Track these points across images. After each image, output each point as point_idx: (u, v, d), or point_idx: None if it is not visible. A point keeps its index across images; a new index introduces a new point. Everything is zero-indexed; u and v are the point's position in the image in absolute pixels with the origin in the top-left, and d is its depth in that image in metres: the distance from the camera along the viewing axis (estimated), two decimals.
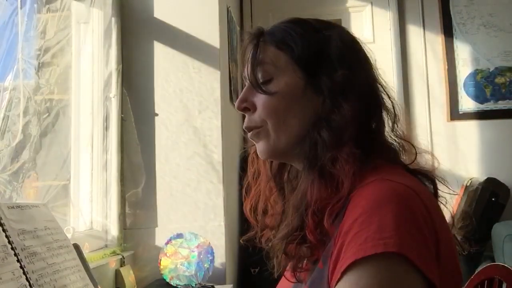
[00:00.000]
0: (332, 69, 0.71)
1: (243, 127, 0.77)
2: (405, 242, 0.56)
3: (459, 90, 2.93)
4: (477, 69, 2.93)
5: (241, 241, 0.85)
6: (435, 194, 0.73)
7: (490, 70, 2.92)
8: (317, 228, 0.66)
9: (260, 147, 0.76)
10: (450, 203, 0.76)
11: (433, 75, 2.97)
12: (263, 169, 0.83)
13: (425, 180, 0.73)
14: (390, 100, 0.75)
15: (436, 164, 0.76)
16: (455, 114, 2.92)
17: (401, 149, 0.75)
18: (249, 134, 0.77)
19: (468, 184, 2.73)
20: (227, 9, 2.30)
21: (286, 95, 0.72)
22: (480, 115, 2.90)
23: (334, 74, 0.70)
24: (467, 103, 2.92)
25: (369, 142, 0.69)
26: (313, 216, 0.66)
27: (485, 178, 2.66)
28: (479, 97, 2.91)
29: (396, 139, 0.75)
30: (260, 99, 0.74)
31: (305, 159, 0.71)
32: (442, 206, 0.73)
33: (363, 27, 3.05)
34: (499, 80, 2.91)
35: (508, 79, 2.90)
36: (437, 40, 2.98)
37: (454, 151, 2.89)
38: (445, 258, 0.60)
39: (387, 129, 0.75)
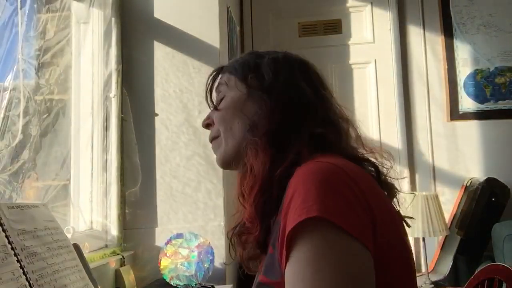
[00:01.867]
0: (263, 79, 0.86)
1: (208, 139, 0.93)
2: (327, 207, 0.61)
3: (459, 90, 2.93)
4: (477, 69, 2.92)
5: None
6: (378, 178, 0.79)
7: (490, 70, 2.92)
8: (248, 212, 0.76)
9: (217, 156, 0.90)
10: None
11: (433, 75, 2.97)
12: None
13: (368, 165, 0.80)
14: (323, 99, 0.86)
15: (385, 155, 0.82)
16: (455, 114, 2.92)
17: (343, 143, 0.83)
18: (211, 146, 0.92)
19: (468, 184, 2.73)
20: (227, 9, 2.31)
21: (231, 106, 0.87)
22: (480, 115, 2.90)
23: (262, 81, 0.85)
24: (467, 103, 2.92)
25: (290, 133, 0.79)
26: (240, 201, 0.80)
27: (485, 178, 2.66)
28: (479, 97, 2.91)
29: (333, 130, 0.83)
30: (215, 114, 0.90)
31: (241, 158, 0.83)
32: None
33: (363, 27, 3.05)
34: (499, 80, 2.91)
35: (508, 79, 2.90)
36: (437, 40, 2.98)
37: (454, 151, 2.89)
38: (384, 232, 0.64)
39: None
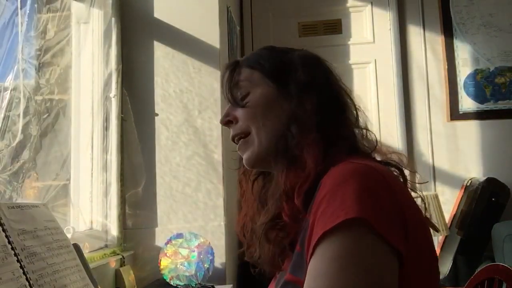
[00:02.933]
0: (296, 75, 0.83)
1: (231, 138, 0.88)
2: (364, 208, 0.60)
3: (459, 90, 2.93)
4: (477, 69, 2.92)
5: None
6: (404, 182, 0.79)
7: (490, 70, 2.92)
8: (292, 211, 0.74)
9: (246, 155, 0.85)
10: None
11: (433, 75, 2.97)
12: (248, 190, 0.91)
13: (394, 170, 0.80)
14: (353, 100, 0.86)
15: (404, 160, 0.82)
16: (455, 114, 2.92)
17: (374, 147, 0.82)
18: (238, 145, 0.87)
19: (468, 184, 2.73)
20: (227, 9, 2.31)
21: (262, 103, 0.83)
22: (480, 115, 2.90)
23: (298, 78, 0.83)
24: (467, 103, 2.92)
25: (334, 132, 0.78)
26: (285, 197, 0.75)
27: (485, 178, 2.66)
28: (479, 97, 2.91)
29: (364, 135, 0.84)
30: (240, 113, 0.85)
31: (278, 154, 0.80)
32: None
33: (363, 27, 3.05)
34: (499, 80, 2.91)
35: (508, 79, 2.90)
36: (437, 40, 2.98)
37: (454, 151, 2.89)
38: (415, 236, 0.64)
39: (354, 126, 0.84)
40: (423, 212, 0.75)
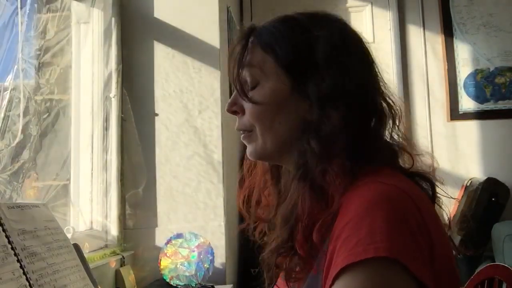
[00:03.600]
0: (319, 75, 0.68)
1: (236, 129, 0.78)
2: (396, 246, 0.55)
3: (459, 90, 2.93)
4: (477, 69, 2.92)
5: (238, 229, 0.86)
6: (433, 196, 0.71)
7: (490, 70, 2.92)
8: (307, 242, 0.65)
9: (249, 149, 0.76)
10: (448, 205, 0.74)
11: (433, 75, 2.97)
12: (258, 165, 0.82)
13: (423, 182, 0.71)
14: (389, 103, 0.72)
15: (435, 165, 0.75)
16: (455, 114, 2.92)
17: (400, 150, 0.73)
18: (241, 136, 0.77)
19: (468, 184, 2.73)
20: (227, 9, 2.30)
21: (271, 101, 0.70)
22: (480, 115, 2.90)
23: (321, 81, 0.67)
24: (467, 103, 2.92)
25: (363, 149, 0.67)
26: (303, 231, 0.65)
27: (485, 178, 2.66)
28: (479, 97, 2.91)
29: (394, 142, 0.73)
30: (247, 104, 0.73)
31: (295, 168, 0.69)
32: (439, 208, 0.72)
33: (363, 27, 3.04)
34: (499, 80, 2.91)
35: (508, 79, 2.90)
36: (437, 40, 2.98)
37: (454, 151, 2.89)
38: (440, 260, 0.59)
39: (386, 131, 0.72)
40: (446, 230, 0.69)
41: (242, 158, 0.83)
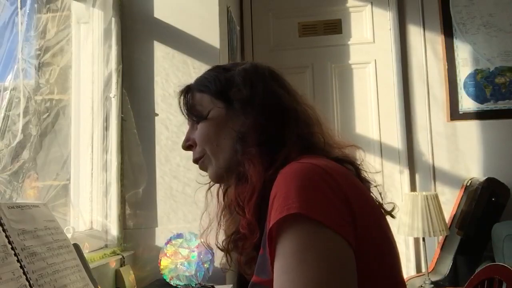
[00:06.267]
0: (239, 92, 0.87)
1: (193, 162, 0.95)
2: (305, 204, 0.64)
3: (459, 90, 2.93)
4: (477, 69, 2.92)
5: (220, 266, 0.97)
6: (359, 176, 0.84)
7: (490, 70, 2.92)
8: (246, 222, 0.78)
9: (208, 173, 0.92)
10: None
11: (433, 75, 2.96)
12: (216, 201, 0.96)
13: (347, 165, 0.83)
14: (302, 109, 0.88)
15: (361, 155, 0.88)
16: (455, 114, 2.92)
17: (323, 143, 0.86)
18: (198, 166, 0.94)
19: (468, 184, 2.73)
20: (227, 9, 2.31)
21: (214, 124, 0.89)
22: (480, 115, 2.90)
23: (241, 94, 0.87)
24: (467, 103, 2.92)
25: (278, 139, 0.82)
26: (237, 211, 0.80)
27: (485, 178, 2.66)
28: (479, 97, 2.91)
29: (315, 138, 0.86)
30: (197, 134, 0.92)
31: (230, 171, 0.86)
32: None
33: (363, 27, 3.05)
34: (499, 80, 2.91)
35: (508, 79, 2.90)
36: (437, 40, 2.98)
37: (454, 151, 2.89)
38: (364, 224, 0.68)
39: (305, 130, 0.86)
40: (380, 199, 0.81)
41: None
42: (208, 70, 0.97)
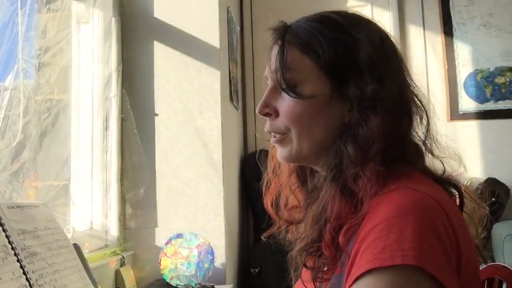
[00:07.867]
0: (360, 79, 0.67)
1: (266, 130, 0.76)
2: (424, 255, 0.54)
3: (459, 90, 2.93)
4: (477, 69, 2.92)
5: (263, 238, 0.84)
6: (461, 204, 0.70)
7: (490, 70, 2.92)
8: (333, 244, 0.65)
9: (281, 152, 0.74)
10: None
11: (433, 75, 2.96)
12: (283, 165, 0.81)
13: (451, 188, 0.71)
14: (417, 104, 0.72)
15: (462, 170, 0.73)
16: (455, 114, 2.92)
17: (426, 151, 0.73)
18: (272, 139, 0.75)
19: (468, 184, 2.73)
20: (227, 9, 2.30)
21: (311, 103, 0.69)
22: (480, 115, 2.90)
23: (363, 84, 0.67)
24: (467, 103, 2.92)
25: (395, 154, 0.66)
26: (330, 232, 0.65)
27: (485, 178, 2.66)
28: (479, 97, 2.91)
29: (420, 142, 0.73)
30: (283, 106, 0.72)
31: (329, 171, 0.69)
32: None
33: None
34: (499, 80, 2.91)
35: (508, 79, 2.90)
36: (437, 40, 2.97)
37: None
38: (466, 269, 0.59)
39: (418, 135, 0.73)
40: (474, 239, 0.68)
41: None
42: (318, 22, 0.72)
